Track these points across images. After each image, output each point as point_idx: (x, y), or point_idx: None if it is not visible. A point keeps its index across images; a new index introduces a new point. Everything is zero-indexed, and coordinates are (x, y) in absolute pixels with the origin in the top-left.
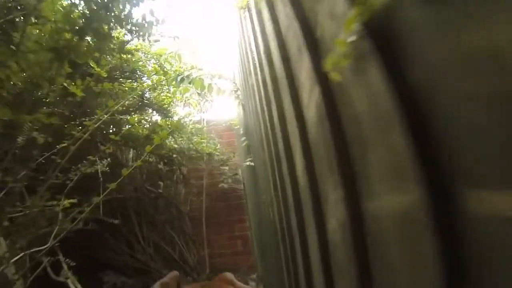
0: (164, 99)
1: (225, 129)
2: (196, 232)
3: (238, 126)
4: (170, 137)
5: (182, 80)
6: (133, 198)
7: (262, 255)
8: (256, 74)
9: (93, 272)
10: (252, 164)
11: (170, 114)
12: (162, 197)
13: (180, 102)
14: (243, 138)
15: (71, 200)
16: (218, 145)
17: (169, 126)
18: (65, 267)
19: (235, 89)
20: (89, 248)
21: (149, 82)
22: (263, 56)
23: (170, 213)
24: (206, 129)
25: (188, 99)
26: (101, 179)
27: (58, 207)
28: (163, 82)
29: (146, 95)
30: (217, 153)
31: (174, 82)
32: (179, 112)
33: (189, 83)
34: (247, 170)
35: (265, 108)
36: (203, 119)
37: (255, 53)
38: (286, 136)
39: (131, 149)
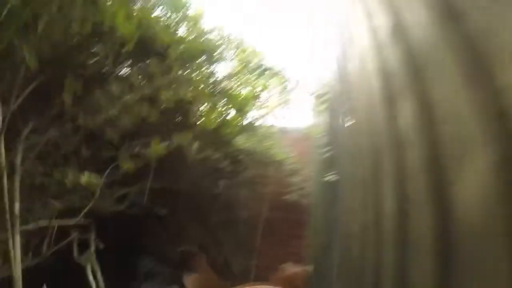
0: (241, 92)
1: (298, 139)
2: (248, 240)
3: (319, 135)
4: (241, 135)
5: (264, 71)
6: (188, 193)
7: (313, 279)
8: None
9: (130, 256)
10: (334, 179)
11: (244, 110)
12: (220, 198)
13: (257, 100)
14: (326, 149)
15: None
16: (290, 154)
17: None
18: (92, 248)
19: (322, 92)
20: (130, 232)
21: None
22: None
23: (225, 215)
24: (279, 136)
25: (266, 101)
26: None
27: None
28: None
29: (220, 84)
30: (288, 162)
31: (254, 73)
32: (254, 111)
33: (271, 77)
34: (322, 186)
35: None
36: (278, 125)
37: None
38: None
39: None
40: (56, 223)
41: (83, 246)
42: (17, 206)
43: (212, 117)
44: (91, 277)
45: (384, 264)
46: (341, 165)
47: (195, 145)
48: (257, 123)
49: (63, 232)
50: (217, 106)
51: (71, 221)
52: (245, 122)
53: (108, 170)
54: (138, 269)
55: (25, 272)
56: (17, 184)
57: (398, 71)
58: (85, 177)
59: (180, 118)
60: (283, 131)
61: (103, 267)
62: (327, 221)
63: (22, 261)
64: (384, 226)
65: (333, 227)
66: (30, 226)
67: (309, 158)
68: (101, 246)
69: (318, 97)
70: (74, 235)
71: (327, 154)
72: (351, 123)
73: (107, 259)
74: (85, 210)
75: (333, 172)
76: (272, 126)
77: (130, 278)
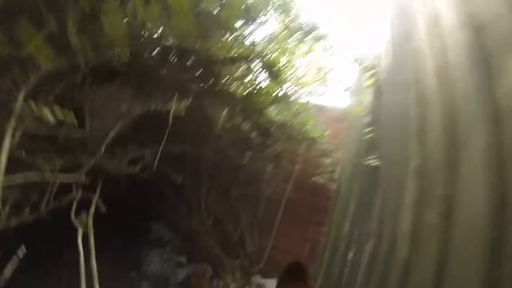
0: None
1: (334, 118)
2: (267, 219)
3: (360, 115)
4: (274, 107)
5: (307, 34)
6: (210, 162)
7: (329, 270)
8: None
9: (141, 221)
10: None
11: (280, 79)
12: (243, 171)
13: (295, 70)
14: (367, 129)
15: None
16: (324, 133)
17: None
18: (91, 210)
19: (371, 67)
20: (144, 197)
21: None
22: None
23: (246, 189)
24: (314, 113)
25: (304, 74)
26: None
27: None
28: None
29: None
30: (321, 142)
31: (295, 39)
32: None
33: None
34: (359, 171)
35: None
36: (314, 102)
37: None
38: None
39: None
40: (53, 177)
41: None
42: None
43: (245, 83)
44: (79, 240)
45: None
46: (385, 149)
47: (224, 111)
48: (292, 97)
49: (67, 191)
50: (252, 72)
51: (70, 177)
52: (280, 93)
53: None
54: (148, 235)
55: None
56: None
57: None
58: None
59: (210, 80)
60: (319, 109)
61: (113, 230)
62: (357, 212)
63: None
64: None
65: (364, 219)
66: (17, 178)
67: (344, 139)
68: (103, 209)
69: (365, 71)
70: (75, 194)
71: (369, 136)
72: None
73: (117, 222)
74: (87, 166)
75: (375, 156)
76: (308, 102)
77: (140, 243)
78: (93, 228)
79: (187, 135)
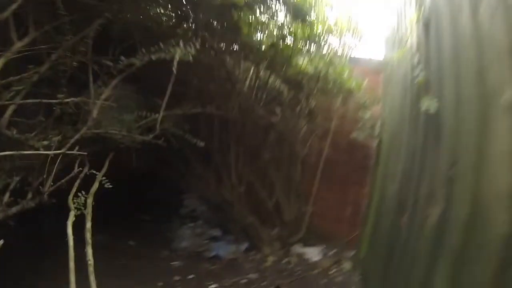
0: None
1: (369, 71)
2: (303, 182)
3: (404, 57)
4: (305, 56)
5: None
6: (237, 123)
7: (376, 236)
8: None
9: (171, 195)
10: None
11: (307, 19)
12: (274, 130)
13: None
14: (416, 71)
15: None
16: (361, 85)
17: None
18: (93, 188)
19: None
20: (171, 169)
21: None
22: None
23: (279, 151)
24: (349, 64)
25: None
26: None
27: None
28: None
29: None
30: (358, 94)
31: None
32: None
33: None
34: (403, 122)
35: None
36: (348, 53)
37: None
38: None
39: (245, 61)
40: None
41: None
42: None
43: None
44: (69, 230)
45: None
46: (447, 88)
47: (247, 64)
48: (324, 46)
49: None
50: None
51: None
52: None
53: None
54: (182, 208)
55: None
56: None
57: None
58: None
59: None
60: (352, 61)
61: (141, 207)
62: (408, 170)
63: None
64: None
65: (419, 178)
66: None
67: (384, 90)
68: (108, 185)
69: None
70: (76, 172)
71: (419, 78)
72: None
73: (145, 199)
74: (78, 135)
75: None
76: (342, 52)
77: (170, 218)
78: (120, 208)
79: (209, 95)
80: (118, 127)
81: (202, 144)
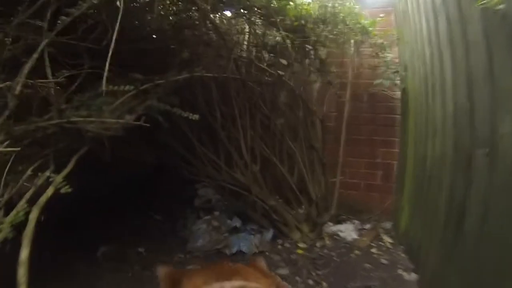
0: None
1: (377, 14)
2: (327, 149)
3: None
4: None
5: None
6: (237, 87)
7: (420, 202)
8: None
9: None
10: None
11: None
12: (283, 85)
13: None
14: None
15: None
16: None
17: None
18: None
19: None
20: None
21: None
22: None
23: (294, 116)
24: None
25: None
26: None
27: None
28: None
29: None
30: (372, 37)
31: None
32: None
33: None
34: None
35: None
36: None
37: None
38: None
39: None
40: None
41: None
42: None
43: None
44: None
45: None
46: None
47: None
48: None
49: None
50: None
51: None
52: None
53: None
54: (198, 198)
55: None
56: None
57: None
58: None
59: None
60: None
61: (153, 199)
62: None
63: None
64: None
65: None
66: None
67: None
68: (66, 189)
69: None
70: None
71: None
72: None
73: (153, 194)
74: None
75: None
76: None
77: (186, 211)
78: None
79: (198, 61)
80: (85, 114)
81: (196, 117)
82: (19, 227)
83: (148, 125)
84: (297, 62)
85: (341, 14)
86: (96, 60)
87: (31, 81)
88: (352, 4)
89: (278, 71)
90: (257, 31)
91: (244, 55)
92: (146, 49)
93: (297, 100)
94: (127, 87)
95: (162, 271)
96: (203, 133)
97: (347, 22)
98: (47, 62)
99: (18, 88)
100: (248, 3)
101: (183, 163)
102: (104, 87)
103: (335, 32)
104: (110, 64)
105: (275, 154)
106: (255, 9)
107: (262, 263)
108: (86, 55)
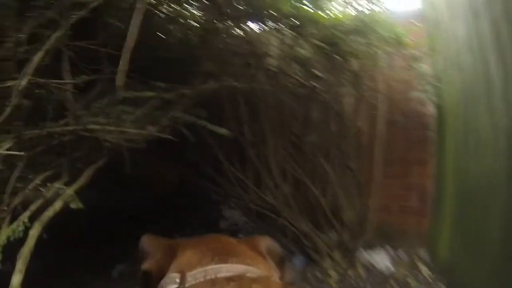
0: None
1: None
2: (361, 169)
3: None
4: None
5: None
6: (267, 100)
7: (461, 228)
8: None
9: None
10: None
11: None
12: (315, 99)
13: None
14: None
15: None
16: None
17: None
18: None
19: None
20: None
21: None
22: None
23: (326, 132)
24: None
25: None
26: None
27: None
28: None
29: None
30: (405, 48)
31: None
32: None
33: None
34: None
35: None
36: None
37: None
38: None
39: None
40: None
41: None
42: None
43: None
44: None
45: None
46: None
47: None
48: None
49: None
50: None
51: None
52: None
53: None
54: (223, 219)
55: None
56: None
57: None
58: None
59: None
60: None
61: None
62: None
63: None
64: None
65: None
66: None
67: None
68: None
69: None
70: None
71: None
72: None
73: (181, 210)
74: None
75: None
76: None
77: (211, 229)
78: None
79: (225, 71)
80: (103, 122)
81: (225, 131)
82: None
83: (173, 138)
84: (329, 74)
85: (374, 24)
86: (116, 66)
87: (43, 80)
88: (383, 13)
89: (311, 82)
90: (286, 40)
91: (274, 65)
92: (170, 58)
93: (330, 115)
94: (149, 94)
95: (148, 240)
96: (230, 150)
97: (380, 32)
98: (65, 65)
99: (23, 83)
100: (276, 12)
101: (208, 182)
102: (122, 93)
103: (367, 43)
104: (130, 71)
105: (308, 174)
106: (284, 18)
107: (265, 242)
108: (106, 60)
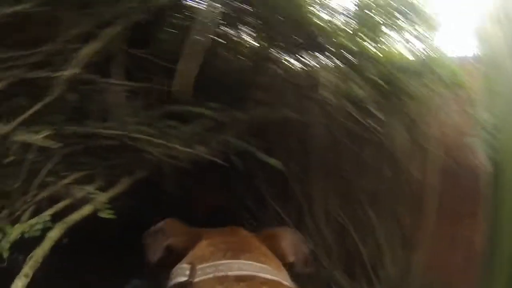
0: None
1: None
2: (409, 220)
3: None
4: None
5: None
6: (320, 135)
7: None
8: None
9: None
10: None
11: None
12: (370, 137)
13: None
14: None
15: None
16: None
17: None
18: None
19: None
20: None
21: None
22: None
23: (374, 179)
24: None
25: None
26: None
27: None
28: None
29: None
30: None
31: None
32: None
33: None
34: None
35: None
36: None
37: None
38: None
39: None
40: None
41: None
42: None
43: None
44: None
45: None
46: None
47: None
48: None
49: None
50: None
51: None
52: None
53: None
54: None
55: None
56: None
57: None
58: None
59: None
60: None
61: None
62: None
63: None
64: None
65: None
66: None
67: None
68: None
69: None
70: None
71: None
72: None
73: None
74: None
75: None
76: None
77: None
78: None
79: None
80: (149, 133)
81: (279, 164)
82: None
83: (223, 163)
84: (384, 114)
85: (432, 63)
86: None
87: (91, 76)
88: (441, 52)
89: (367, 120)
90: (341, 75)
91: (328, 98)
92: (222, 79)
93: (383, 158)
94: (198, 109)
95: (173, 222)
96: (274, 183)
97: (438, 73)
98: (117, 68)
99: (67, 73)
100: (333, 45)
101: (246, 212)
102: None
103: (423, 83)
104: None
105: (349, 218)
106: (341, 51)
107: (287, 237)
108: (159, 71)
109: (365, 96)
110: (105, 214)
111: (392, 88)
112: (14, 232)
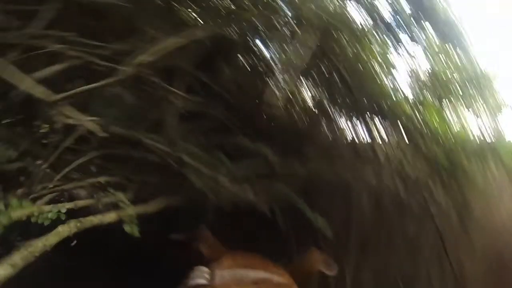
0: None
1: None
2: None
3: None
4: None
5: None
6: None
7: None
8: None
9: None
10: None
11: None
12: (419, 218)
13: None
14: None
15: None
16: None
17: None
18: None
19: None
20: None
21: None
22: None
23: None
24: None
25: None
26: None
27: None
28: None
29: None
30: None
31: None
32: None
33: None
34: None
35: None
36: None
37: None
38: None
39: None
40: None
41: None
42: None
43: None
44: None
45: None
46: None
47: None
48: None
49: None
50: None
51: None
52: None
53: None
54: None
55: None
56: None
57: None
58: None
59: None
60: None
61: None
62: None
63: None
64: None
65: None
66: None
67: None
68: None
69: None
70: None
71: None
72: None
73: None
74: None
75: None
76: None
77: None
78: None
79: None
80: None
81: (326, 225)
82: None
83: (268, 213)
84: (441, 196)
85: (499, 147)
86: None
87: (153, 77)
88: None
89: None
90: (398, 150)
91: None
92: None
93: (427, 237)
94: (248, 143)
95: (206, 235)
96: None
97: (500, 157)
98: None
99: (126, 69)
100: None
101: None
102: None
103: (485, 167)
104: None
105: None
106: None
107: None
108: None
109: (423, 176)
110: (130, 229)
111: (451, 166)
112: (20, 212)
